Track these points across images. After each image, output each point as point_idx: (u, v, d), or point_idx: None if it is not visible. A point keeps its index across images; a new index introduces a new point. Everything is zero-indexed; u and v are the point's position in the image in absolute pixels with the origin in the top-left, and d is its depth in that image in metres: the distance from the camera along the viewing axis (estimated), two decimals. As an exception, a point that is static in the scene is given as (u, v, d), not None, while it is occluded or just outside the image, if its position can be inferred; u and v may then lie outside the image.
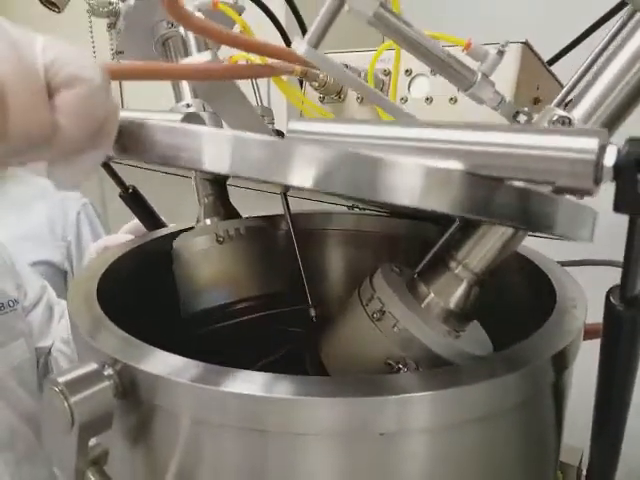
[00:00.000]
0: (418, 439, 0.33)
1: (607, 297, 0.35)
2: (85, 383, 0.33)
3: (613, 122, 0.35)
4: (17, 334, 0.80)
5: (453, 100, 0.52)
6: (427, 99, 0.53)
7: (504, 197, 0.29)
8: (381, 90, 0.56)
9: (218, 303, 0.49)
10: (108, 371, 0.33)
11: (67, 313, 0.87)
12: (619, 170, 0.24)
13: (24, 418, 0.80)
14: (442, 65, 0.38)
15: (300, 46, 0.36)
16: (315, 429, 0.31)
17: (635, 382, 0.37)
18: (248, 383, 0.31)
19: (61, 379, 0.32)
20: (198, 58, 0.41)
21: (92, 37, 0.64)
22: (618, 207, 0.25)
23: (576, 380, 0.43)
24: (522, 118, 0.41)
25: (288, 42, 0.63)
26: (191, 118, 0.43)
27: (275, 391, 0.31)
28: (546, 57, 0.59)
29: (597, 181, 0.25)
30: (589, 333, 0.44)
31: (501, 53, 0.39)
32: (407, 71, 0.55)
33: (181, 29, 0.57)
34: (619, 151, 0.25)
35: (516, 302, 0.55)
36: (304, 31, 0.63)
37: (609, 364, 0.36)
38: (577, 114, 0.36)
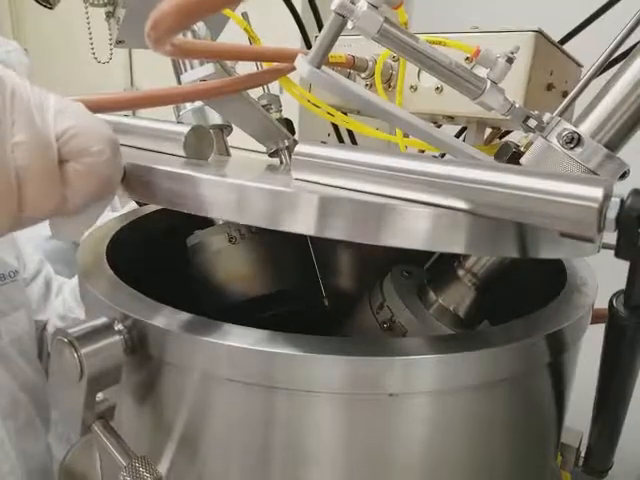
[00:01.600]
0: (425, 401, 0.33)
1: (610, 302, 0.36)
2: (96, 336, 0.33)
3: (622, 136, 0.35)
4: (18, 305, 0.81)
5: (463, 90, 0.50)
6: (437, 88, 0.52)
7: (510, 235, 0.29)
8: (390, 77, 0.55)
9: (232, 302, 0.51)
10: (118, 326, 0.34)
11: (64, 289, 0.90)
12: (621, 223, 0.24)
13: (24, 388, 0.81)
14: (450, 76, 0.37)
15: (303, 67, 0.35)
16: (323, 387, 0.31)
17: (635, 382, 0.39)
18: (258, 339, 0.31)
19: (72, 331, 0.32)
20: (200, 72, 0.41)
21: (89, 24, 0.62)
22: (619, 253, 0.26)
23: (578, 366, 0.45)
24: (532, 123, 0.40)
25: (307, 39, 0.61)
26: (198, 130, 0.43)
27: (284, 348, 0.31)
28: (558, 36, 0.57)
29: (600, 230, 0.25)
30: (596, 317, 0.45)
31: (510, 60, 0.38)
32: (416, 58, 0.53)
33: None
34: (622, 203, 0.25)
35: (525, 283, 0.56)
36: (320, 26, 0.61)
37: (610, 367, 0.38)
38: (586, 128, 0.35)
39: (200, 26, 0.44)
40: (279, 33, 0.66)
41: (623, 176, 0.36)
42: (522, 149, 0.44)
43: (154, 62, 0.58)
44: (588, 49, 0.60)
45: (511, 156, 0.43)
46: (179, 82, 0.61)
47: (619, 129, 0.34)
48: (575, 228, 0.26)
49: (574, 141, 0.35)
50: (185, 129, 0.43)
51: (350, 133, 0.71)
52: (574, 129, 0.35)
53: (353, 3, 0.34)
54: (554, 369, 0.39)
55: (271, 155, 0.59)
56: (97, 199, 0.29)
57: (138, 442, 0.36)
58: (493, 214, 0.28)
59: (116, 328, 0.34)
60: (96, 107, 0.34)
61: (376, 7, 0.34)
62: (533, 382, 0.38)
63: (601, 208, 0.25)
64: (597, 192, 0.25)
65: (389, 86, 0.55)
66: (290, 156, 0.59)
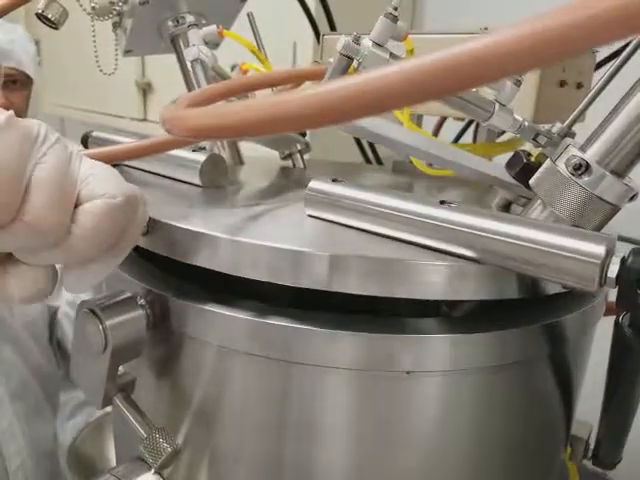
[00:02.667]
0: (440, 380, 0.33)
1: (617, 320, 0.37)
2: (120, 309, 0.33)
3: (630, 161, 0.35)
4: None
5: (473, 93, 0.50)
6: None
7: (515, 280, 0.31)
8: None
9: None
10: (141, 301, 0.35)
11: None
12: (621, 283, 0.26)
13: (34, 372, 0.83)
14: (458, 103, 0.37)
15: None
16: (341, 363, 0.32)
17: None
18: (277, 314, 0.32)
19: (98, 303, 0.33)
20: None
21: (94, 38, 0.63)
22: (620, 306, 0.27)
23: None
24: (542, 139, 0.40)
25: (317, 32, 0.61)
26: (213, 159, 0.44)
27: (304, 323, 0.31)
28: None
29: (601, 285, 0.27)
30: (609, 310, 0.46)
31: (518, 83, 0.38)
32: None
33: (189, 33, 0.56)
34: (623, 262, 0.26)
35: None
36: (330, 21, 0.60)
37: (616, 377, 0.39)
38: (593, 153, 0.35)
39: (206, 52, 0.44)
40: (289, 29, 0.65)
41: (632, 199, 0.36)
42: (533, 159, 0.44)
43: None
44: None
45: (522, 168, 0.44)
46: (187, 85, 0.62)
47: (627, 154, 0.35)
48: (577, 282, 0.27)
49: (582, 168, 0.35)
50: (201, 158, 0.44)
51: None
52: (582, 156, 0.35)
53: (358, 43, 0.34)
54: (567, 355, 0.40)
55: (284, 159, 0.60)
56: (104, 246, 0.29)
57: (155, 416, 0.37)
58: (498, 263, 0.29)
59: (139, 302, 0.34)
60: (111, 157, 0.36)
61: (381, 45, 0.34)
62: (546, 367, 0.38)
63: (603, 265, 0.26)
64: (599, 249, 0.26)
65: (399, 88, 0.54)
66: (302, 159, 0.60)
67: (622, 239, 0.59)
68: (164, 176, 0.47)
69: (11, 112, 0.26)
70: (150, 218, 0.33)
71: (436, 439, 0.34)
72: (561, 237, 0.27)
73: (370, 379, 0.32)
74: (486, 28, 0.49)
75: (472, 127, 0.67)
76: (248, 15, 0.61)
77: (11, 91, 1.13)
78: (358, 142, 0.73)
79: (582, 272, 0.27)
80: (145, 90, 1.10)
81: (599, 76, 0.40)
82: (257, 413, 0.34)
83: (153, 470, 0.38)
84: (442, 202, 0.32)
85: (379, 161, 0.73)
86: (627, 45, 0.39)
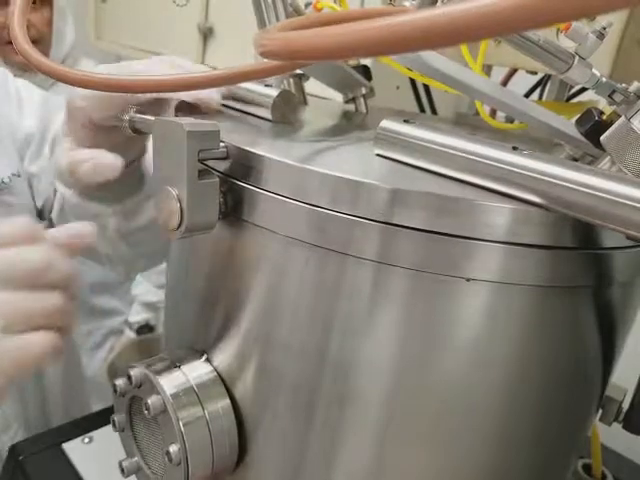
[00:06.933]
0: (495, 292, 0.32)
1: None
2: (201, 193, 0.35)
3: None
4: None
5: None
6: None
7: (573, 228, 0.32)
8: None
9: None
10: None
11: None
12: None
13: None
14: (538, 52, 0.37)
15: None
16: (403, 261, 0.32)
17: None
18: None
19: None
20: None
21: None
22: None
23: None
24: (618, 97, 0.39)
25: None
26: (285, 95, 0.45)
27: (367, 218, 0.32)
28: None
29: (667, 238, 0.27)
30: None
31: (602, 36, 0.37)
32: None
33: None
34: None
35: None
36: None
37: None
38: (673, 113, 0.35)
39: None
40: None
41: None
42: (605, 117, 0.44)
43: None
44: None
45: (592, 125, 0.43)
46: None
47: None
48: (642, 233, 0.28)
49: (658, 127, 0.35)
50: (274, 92, 0.45)
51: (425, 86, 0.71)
52: (660, 114, 0.35)
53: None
54: (618, 296, 0.38)
55: (347, 102, 0.60)
56: None
57: (212, 298, 0.40)
58: (565, 211, 0.30)
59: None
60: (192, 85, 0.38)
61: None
62: (594, 303, 0.36)
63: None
64: (670, 203, 0.27)
65: (471, 37, 0.54)
66: (366, 104, 0.60)
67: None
68: (234, 109, 0.49)
69: None
70: (226, 143, 0.36)
71: (481, 352, 0.34)
72: (629, 187, 0.28)
73: (428, 281, 0.32)
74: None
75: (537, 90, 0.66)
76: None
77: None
78: (415, 91, 0.73)
79: (649, 224, 0.27)
80: (206, 35, 1.10)
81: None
82: (310, 304, 0.35)
83: (204, 357, 0.42)
84: (515, 148, 0.32)
85: (434, 111, 0.72)
86: None
